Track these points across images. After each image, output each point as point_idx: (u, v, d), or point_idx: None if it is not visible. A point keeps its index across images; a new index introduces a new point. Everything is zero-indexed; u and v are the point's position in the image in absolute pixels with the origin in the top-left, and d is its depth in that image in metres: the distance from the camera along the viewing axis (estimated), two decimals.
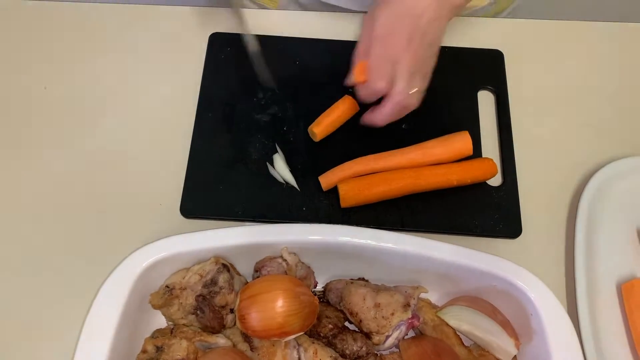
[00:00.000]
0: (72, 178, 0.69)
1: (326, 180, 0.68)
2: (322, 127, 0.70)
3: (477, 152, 0.71)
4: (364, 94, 0.64)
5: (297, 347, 0.57)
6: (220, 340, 0.56)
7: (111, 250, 0.64)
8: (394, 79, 0.62)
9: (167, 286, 0.57)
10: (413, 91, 0.63)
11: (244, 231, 0.58)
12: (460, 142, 0.68)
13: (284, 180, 0.69)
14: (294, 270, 0.58)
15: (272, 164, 0.70)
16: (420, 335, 0.60)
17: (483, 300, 0.59)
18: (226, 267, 0.57)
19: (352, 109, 0.72)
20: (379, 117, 0.65)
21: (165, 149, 0.71)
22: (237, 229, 0.58)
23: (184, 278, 0.57)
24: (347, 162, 0.69)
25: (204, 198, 0.67)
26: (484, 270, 0.57)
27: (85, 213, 0.67)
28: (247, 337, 0.57)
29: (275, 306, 0.53)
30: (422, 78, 0.64)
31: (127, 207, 0.68)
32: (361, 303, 0.58)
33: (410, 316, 0.57)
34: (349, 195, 0.66)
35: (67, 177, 0.69)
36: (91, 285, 0.56)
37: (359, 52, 0.63)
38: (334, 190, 0.68)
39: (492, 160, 0.68)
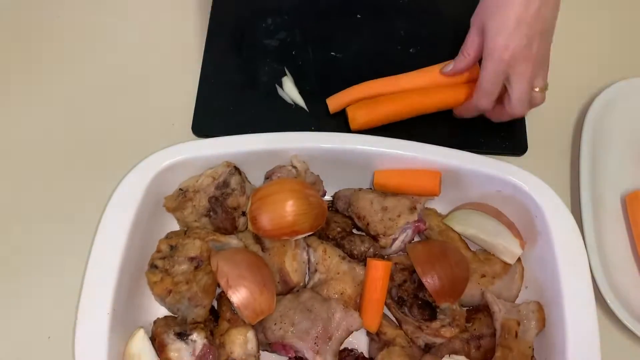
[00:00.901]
0: (87, 99, 0.71)
1: (333, 102, 0.69)
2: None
3: None
4: (464, 109, 0.65)
5: (306, 247, 0.58)
6: (233, 240, 0.58)
7: (126, 164, 0.65)
8: (508, 87, 0.61)
9: (180, 189, 0.58)
10: (536, 90, 0.61)
11: (255, 138, 0.60)
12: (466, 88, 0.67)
13: (293, 102, 0.70)
14: (303, 177, 0.60)
15: (281, 87, 0.71)
16: (426, 240, 0.61)
17: (488, 205, 0.60)
18: (238, 170, 0.58)
19: None
20: (465, 111, 0.66)
21: (176, 73, 0.73)
22: (248, 136, 0.60)
23: (197, 181, 0.58)
24: (354, 86, 0.69)
25: (215, 118, 0.69)
26: (489, 174, 0.59)
27: (100, 132, 0.69)
28: (258, 239, 0.58)
29: (286, 206, 0.55)
30: (544, 74, 0.61)
31: (140, 126, 0.70)
32: (369, 207, 0.59)
33: (416, 218, 0.58)
34: (359, 115, 0.67)
35: (83, 97, 0.71)
36: (106, 193, 0.58)
37: (466, 51, 0.63)
38: (342, 113, 0.69)
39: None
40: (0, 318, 0.60)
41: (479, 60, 0.63)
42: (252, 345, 0.53)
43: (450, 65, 0.66)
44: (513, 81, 0.60)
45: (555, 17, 0.60)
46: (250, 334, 0.53)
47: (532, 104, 0.62)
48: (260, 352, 0.55)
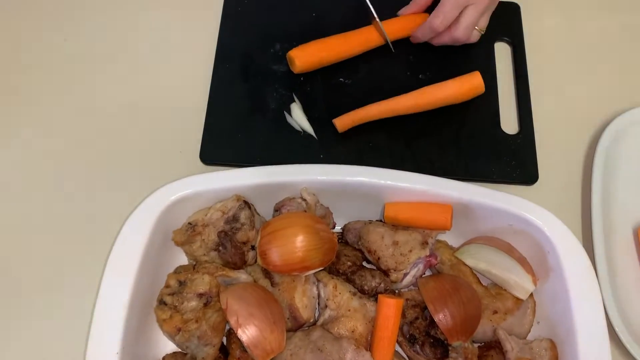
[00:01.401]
0: (95, 126, 0.71)
1: (341, 122, 0.68)
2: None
3: (493, 100, 0.71)
4: (419, 31, 0.71)
5: (316, 282, 0.58)
6: (242, 275, 0.57)
7: (134, 194, 0.64)
8: (459, 19, 0.69)
9: (189, 223, 0.58)
10: (476, 28, 0.71)
11: (264, 171, 0.59)
12: (471, 78, 0.69)
13: (302, 129, 0.70)
14: (313, 210, 0.59)
15: (289, 113, 0.70)
16: (438, 274, 0.61)
17: (500, 239, 0.59)
18: (247, 204, 0.58)
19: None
20: (420, 32, 0.72)
21: (184, 99, 0.72)
22: (257, 168, 0.59)
23: (206, 215, 0.58)
24: (363, 107, 0.69)
25: (223, 145, 0.68)
26: (500, 208, 0.58)
27: (108, 160, 0.69)
28: (268, 274, 0.58)
29: (296, 241, 0.54)
30: (487, 18, 0.71)
31: (148, 154, 0.69)
32: (379, 241, 0.59)
33: (428, 254, 0.58)
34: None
35: (91, 125, 0.71)
36: (114, 226, 0.57)
37: None
38: (351, 139, 0.69)
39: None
40: (6, 358, 0.60)
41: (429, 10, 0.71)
42: None
43: (406, 8, 0.74)
44: (468, 9, 0.68)
45: None
46: None
47: (469, 37, 0.72)
48: None
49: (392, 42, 0.73)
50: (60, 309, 0.61)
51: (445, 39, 0.72)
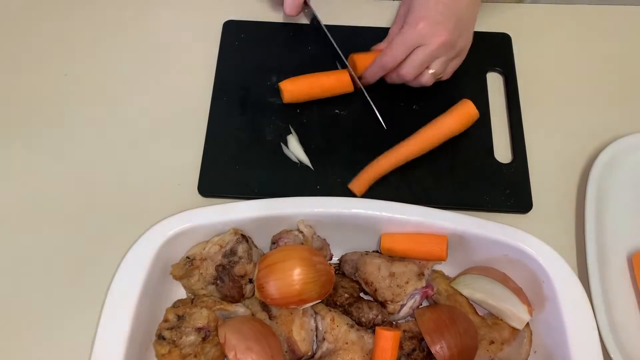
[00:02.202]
0: (92, 160, 0.72)
1: (358, 187, 0.67)
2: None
3: (486, 130, 0.73)
4: (370, 70, 0.70)
5: (314, 315, 0.58)
6: (240, 309, 0.57)
7: (132, 228, 0.65)
8: (406, 58, 0.68)
9: (187, 257, 0.58)
10: (431, 72, 0.69)
11: (261, 204, 0.60)
12: (464, 107, 0.70)
13: (298, 160, 0.71)
14: (310, 242, 0.60)
15: (286, 145, 0.71)
16: (434, 304, 0.61)
17: (495, 270, 0.60)
18: (245, 237, 0.58)
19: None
20: (370, 71, 0.71)
21: (181, 133, 0.73)
22: (255, 201, 0.60)
23: (204, 249, 0.58)
24: (372, 164, 0.68)
25: (220, 178, 0.69)
26: (495, 239, 0.59)
27: (105, 194, 0.69)
28: (265, 307, 0.58)
29: (293, 274, 0.55)
30: (444, 62, 0.69)
31: (146, 187, 0.70)
32: (376, 273, 0.59)
33: (424, 285, 0.58)
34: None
35: (88, 159, 0.72)
36: (113, 261, 0.58)
37: (391, 32, 0.72)
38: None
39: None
40: None
41: None
42: None
43: (380, 43, 0.74)
44: (418, 50, 0.67)
45: (471, 10, 0.69)
46: None
47: (419, 78, 0.70)
48: None
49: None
50: (60, 346, 0.61)
51: (394, 77, 0.71)
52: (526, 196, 0.69)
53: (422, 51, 0.67)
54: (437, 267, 0.63)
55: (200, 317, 0.56)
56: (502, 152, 0.72)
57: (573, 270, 0.58)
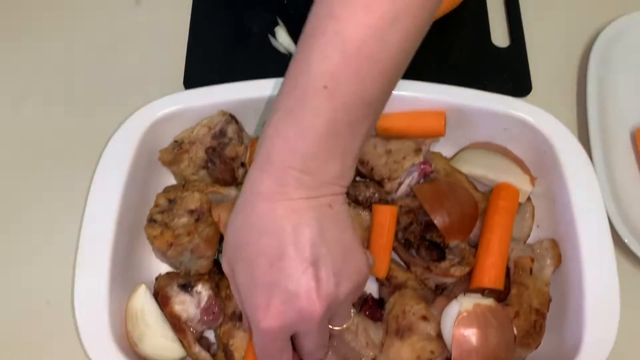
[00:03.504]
0: (76, 55, 0.69)
1: None
2: None
3: (483, 14, 0.70)
4: None
5: None
6: (233, 192, 0.55)
7: (116, 117, 0.62)
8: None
9: (175, 141, 0.56)
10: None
11: (251, 85, 0.57)
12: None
13: (287, 51, 0.68)
14: None
15: (274, 36, 0.68)
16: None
17: (495, 144, 0.58)
18: (234, 118, 0.56)
19: None
20: None
21: (165, 26, 0.70)
22: (243, 83, 0.57)
23: (192, 132, 0.56)
24: None
25: (207, 71, 0.66)
26: (495, 111, 0.57)
27: (90, 88, 0.67)
28: None
29: None
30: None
31: (131, 82, 0.67)
32: (372, 151, 0.57)
33: (422, 160, 0.56)
34: None
35: (71, 53, 0.69)
36: (98, 147, 0.56)
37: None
38: None
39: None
40: None
41: None
42: None
43: None
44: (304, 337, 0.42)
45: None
46: None
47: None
48: None
49: None
50: (47, 237, 0.60)
51: None
52: (525, 79, 0.67)
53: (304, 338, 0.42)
54: (435, 147, 0.61)
55: (193, 200, 0.54)
56: (500, 36, 0.69)
57: None
